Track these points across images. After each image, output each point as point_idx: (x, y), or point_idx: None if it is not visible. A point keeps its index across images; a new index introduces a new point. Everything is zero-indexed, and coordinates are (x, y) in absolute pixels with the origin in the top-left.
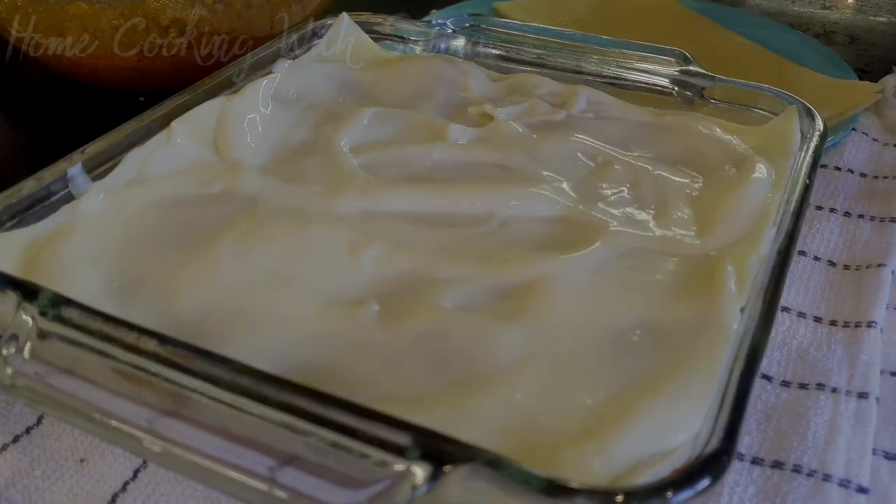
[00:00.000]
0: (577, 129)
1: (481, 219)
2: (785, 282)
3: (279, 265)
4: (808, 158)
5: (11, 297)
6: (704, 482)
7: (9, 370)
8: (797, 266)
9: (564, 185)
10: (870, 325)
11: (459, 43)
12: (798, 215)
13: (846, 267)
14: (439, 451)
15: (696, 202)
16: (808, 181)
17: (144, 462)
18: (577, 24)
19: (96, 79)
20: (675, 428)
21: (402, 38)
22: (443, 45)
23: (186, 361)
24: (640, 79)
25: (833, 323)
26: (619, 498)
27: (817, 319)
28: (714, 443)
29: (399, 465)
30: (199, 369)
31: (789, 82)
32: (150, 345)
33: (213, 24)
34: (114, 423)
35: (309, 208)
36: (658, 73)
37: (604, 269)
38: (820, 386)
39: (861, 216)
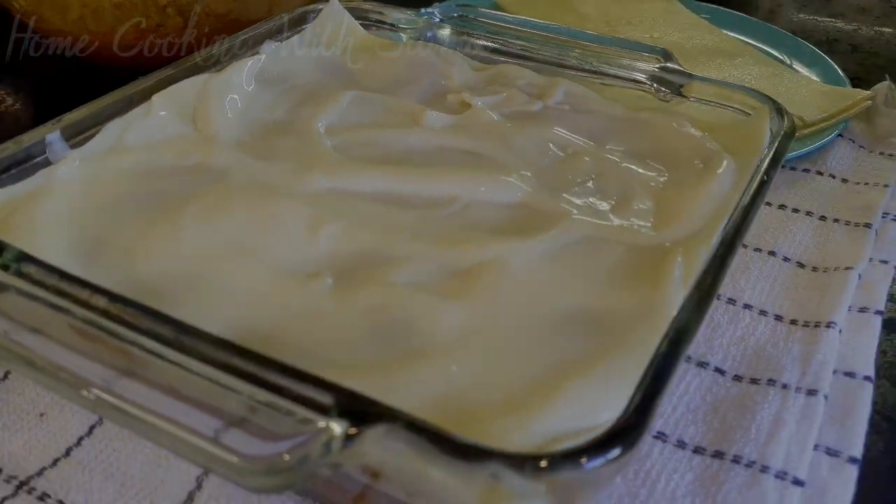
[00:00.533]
0: (551, 120)
1: (444, 202)
2: (726, 272)
3: (240, 236)
4: (770, 156)
5: None
6: (615, 452)
7: None
8: (765, 265)
9: (531, 174)
10: (829, 325)
11: (446, 32)
12: (748, 210)
13: (815, 269)
14: (358, 410)
15: (659, 195)
16: (764, 178)
17: (100, 419)
18: (574, 22)
19: (98, 57)
20: (602, 407)
21: (390, 26)
22: (430, 34)
23: (133, 319)
24: (620, 74)
25: (793, 322)
26: (528, 461)
27: (778, 318)
28: (627, 418)
29: (321, 423)
30: (144, 326)
31: (781, 85)
32: (101, 302)
33: (209, 5)
34: (65, 376)
35: (277, 184)
36: (638, 69)
37: (556, 255)
38: (771, 381)
39: (836, 220)
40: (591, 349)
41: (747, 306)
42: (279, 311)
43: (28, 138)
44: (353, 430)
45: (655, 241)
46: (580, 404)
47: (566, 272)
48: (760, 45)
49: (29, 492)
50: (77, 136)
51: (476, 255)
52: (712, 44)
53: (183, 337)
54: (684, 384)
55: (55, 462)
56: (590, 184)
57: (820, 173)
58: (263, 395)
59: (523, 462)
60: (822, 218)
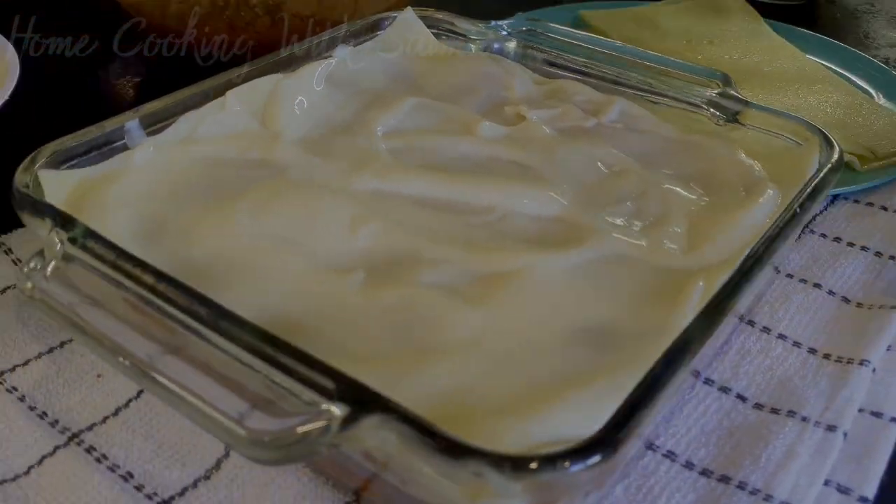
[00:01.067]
0: (603, 137)
1: (483, 210)
2: (737, 298)
3: (286, 229)
4: (809, 188)
5: (47, 224)
6: (592, 459)
7: (29, 284)
8: (808, 297)
9: (572, 189)
10: (862, 362)
11: (512, 45)
12: (772, 239)
13: (859, 305)
14: (358, 398)
15: (696, 219)
16: (797, 210)
17: None
18: (654, 38)
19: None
20: (597, 419)
21: (461, 36)
22: (497, 46)
23: (174, 296)
24: (678, 96)
25: (827, 356)
26: (507, 461)
27: (812, 350)
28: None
29: (323, 405)
30: (183, 304)
31: (859, 115)
32: (149, 279)
33: (295, 7)
34: (108, 344)
35: (329, 182)
36: (696, 92)
37: (583, 270)
38: (791, 413)
39: (893, 258)
40: (598, 364)
41: (782, 336)
42: (311, 301)
43: (110, 124)
44: (350, 416)
45: (683, 265)
46: (576, 414)
47: (589, 288)
48: (846, 73)
49: (78, 444)
50: (155, 125)
51: (503, 264)
52: (793, 68)
53: (215, 316)
54: (703, 407)
55: (104, 419)
56: (629, 203)
57: (884, 208)
58: (278, 375)
59: (503, 462)
60: (878, 254)
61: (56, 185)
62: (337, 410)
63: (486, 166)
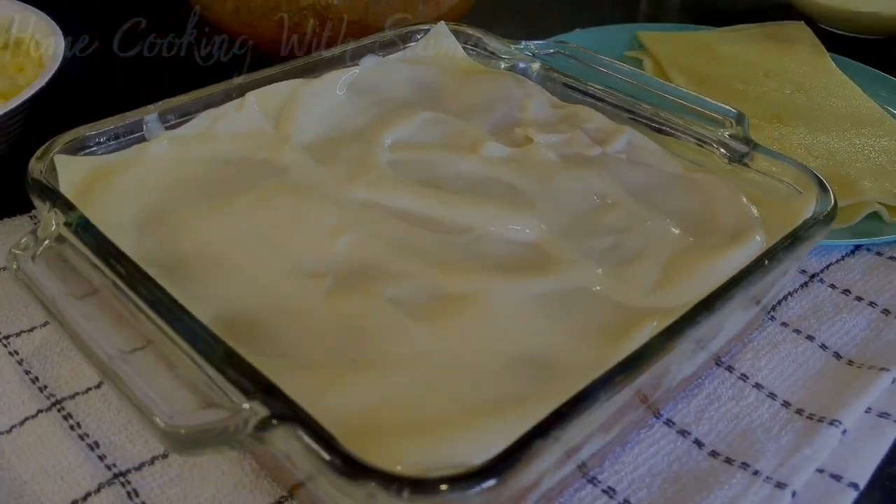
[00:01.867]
0: (605, 167)
1: (462, 229)
2: (674, 345)
3: (270, 231)
4: (789, 239)
5: (47, 205)
6: (478, 486)
7: (14, 265)
8: (797, 348)
9: (558, 217)
10: (832, 422)
11: (536, 66)
12: (727, 288)
13: (850, 363)
14: (276, 405)
15: (674, 260)
16: (765, 261)
17: None
18: (708, 65)
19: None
20: (497, 448)
21: (490, 53)
22: (523, 66)
23: (140, 287)
24: (689, 132)
25: (799, 412)
26: (394, 482)
27: (785, 404)
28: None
29: (246, 405)
30: (146, 296)
31: None
32: (120, 267)
33: (344, 11)
34: (78, 342)
35: (324, 187)
36: (707, 129)
37: (541, 299)
38: (744, 465)
39: None
40: (524, 394)
41: (758, 385)
42: (277, 301)
43: (131, 115)
44: (265, 420)
45: (645, 304)
46: (482, 441)
47: (543, 318)
48: None
49: (59, 410)
50: (176, 120)
51: (463, 285)
52: (847, 108)
53: (163, 308)
54: (656, 447)
55: (87, 390)
56: (610, 237)
57: None
58: (212, 372)
59: (391, 482)
60: (886, 312)
61: (71, 169)
62: (254, 413)
63: (479, 186)
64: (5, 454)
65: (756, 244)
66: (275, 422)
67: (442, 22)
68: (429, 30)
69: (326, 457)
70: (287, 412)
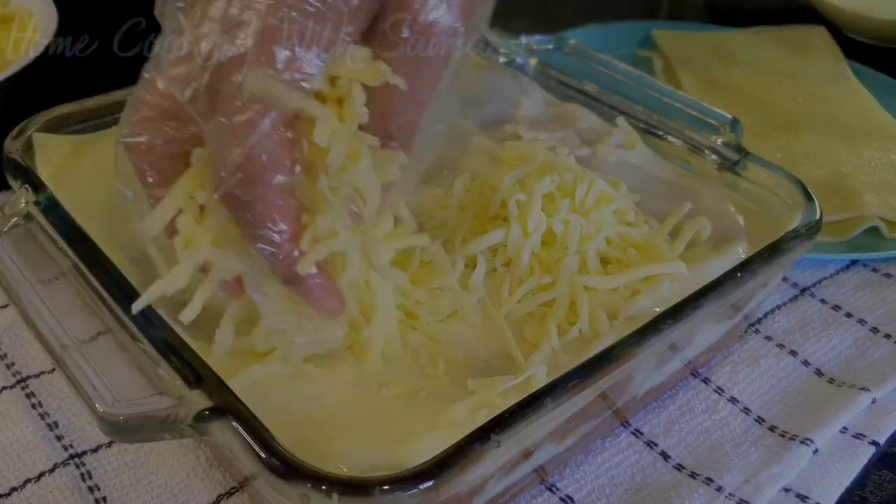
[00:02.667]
0: (592, 168)
1: None
2: (634, 353)
3: None
4: (766, 251)
5: (18, 183)
6: (405, 488)
7: None
8: (778, 363)
9: None
10: (804, 441)
11: (534, 62)
12: (696, 298)
13: (831, 381)
14: (217, 397)
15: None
16: (738, 273)
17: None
18: (723, 69)
19: None
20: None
21: (489, 46)
22: (521, 61)
23: (100, 273)
24: (680, 135)
25: (772, 428)
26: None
27: (759, 420)
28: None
29: (186, 394)
30: (104, 281)
31: None
32: (78, 252)
33: None
34: (32, 326)
35: None
36: (700, 134)
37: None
38: (708, 480)
39: (888, 336)
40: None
41: (733, 399)
42: None
43: (116, 96)
44: (204, 412)
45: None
46: (418, 451)
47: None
48: None
49: (23, 388)
50: None
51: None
52: (859, 119)
53: (124, 296)
54: (621, 457)
55: (53, 370)
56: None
57: None
58: (160, 361)
59: (322, 482)
60: (874, 330)
61: (49, 148)
62: (195, 403)
63: None
64: None
65: (737, 254)
66: (210, 413)
67: None
68: None
69: (261, 454)
70: (226, 405)
